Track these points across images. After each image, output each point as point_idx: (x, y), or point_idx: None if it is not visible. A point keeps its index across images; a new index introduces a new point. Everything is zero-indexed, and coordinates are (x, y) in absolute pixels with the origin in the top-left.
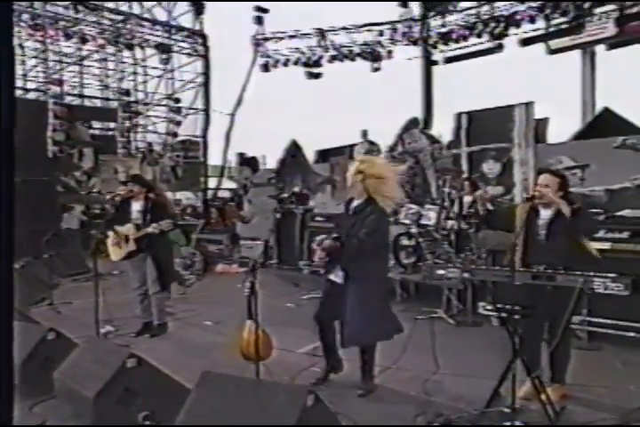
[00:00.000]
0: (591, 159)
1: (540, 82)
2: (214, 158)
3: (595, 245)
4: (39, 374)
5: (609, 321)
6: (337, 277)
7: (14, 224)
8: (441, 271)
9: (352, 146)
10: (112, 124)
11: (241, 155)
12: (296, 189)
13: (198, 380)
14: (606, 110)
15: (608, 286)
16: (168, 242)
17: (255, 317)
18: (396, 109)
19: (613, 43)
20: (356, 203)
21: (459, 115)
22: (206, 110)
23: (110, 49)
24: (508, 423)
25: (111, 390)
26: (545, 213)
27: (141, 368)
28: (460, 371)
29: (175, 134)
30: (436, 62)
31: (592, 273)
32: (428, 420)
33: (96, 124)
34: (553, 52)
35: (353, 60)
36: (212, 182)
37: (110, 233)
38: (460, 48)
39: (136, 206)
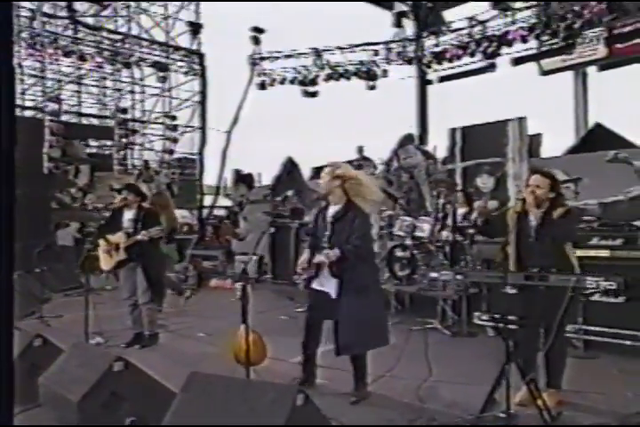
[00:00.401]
0: (584, 173)
1: (532, 100)
2: (210, 176)
3: (589, 253)
4: (24, 381)
5: (605, 329)
6: (329, 288)
7: (14, 238)
8: (434, 274)
9: (348, 162)
10: (109, 142)
11: (237, 171)
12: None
13: (185, 380)
14: (598, 126)
15: (601, 284)
16: (159, 252)
17: (246, 320)
18: (391, 126)
19: (604, 64)
20: (333, 209)
21: (452, 130)
22: (203, 128)
23: (108, 68)
24: None
25: (97, 393)
26: (534, 215)
27: (128, 372)
28: (455, 379)
29: (171, 152)
30: (430, 82)
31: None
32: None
33: (92, 143)
34: (545, 73)
35: (348, 78)
36: (208, 200)
37: (101, 241)
38: (453, 67)
39: (128, 215)
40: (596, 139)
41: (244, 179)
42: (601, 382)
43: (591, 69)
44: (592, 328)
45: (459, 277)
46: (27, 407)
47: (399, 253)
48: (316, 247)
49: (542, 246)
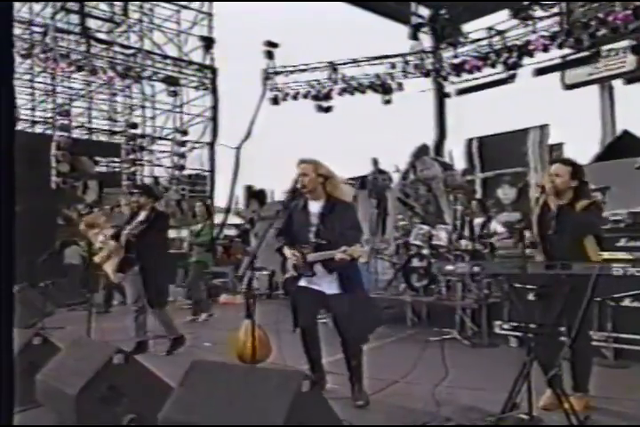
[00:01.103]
0: (612, 181)
1: (555, 111)
2: (222, 193)
3: (618, 255)
4: (23, 380)
5: (637, 337)
6: (324, 285)
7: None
8: (450, 267)
9: (363, 177)
10: (117, 159)
11: (249, 188)
12: None
13: (187, 368)
14: (625, 133)
15: (628, 271)
16: (160, 256)
17: (253, 316)
18: (407, 140)
19: (632, 77)
20: (318, 204)
21: (469, 140)
22: (213, 144)
23: (119, 83)
24: None
25: (95, 387)
26: (555, 206)
27: (128, 366)
28: (474, 385)
29: (182, 168)
30: (448, 95)
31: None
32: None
33: (100, 159)
34: (569, 87)
35: (363, 92)
36: (218, 218)
37: (107, 243)
38: (471, 79)
39: (140, 217)
40: (623, 146)
41: (256, 195)
42: (632, 390)
43: (617, 82)
44: (622, 336)
45: (476, 268)
46: (25, 408)
47: (416, 262)
48: (293, 244)
49: (561, 240)
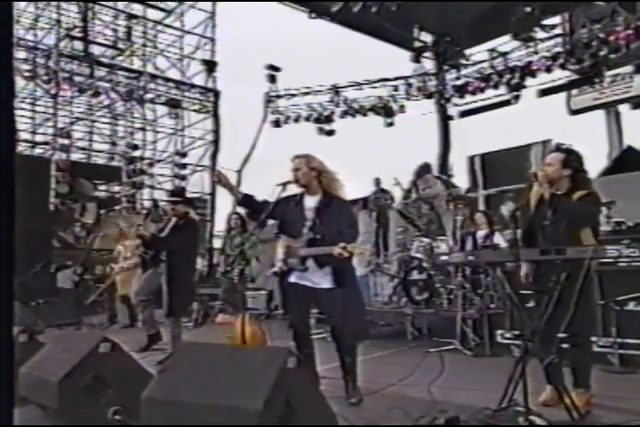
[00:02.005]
0: (617, 196)
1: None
2: (222, 216)
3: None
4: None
5: None
6: (317, 280)
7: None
8: (445, 257)
9: (365, 198)
10: (117, 184)
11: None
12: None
13: (173, 351)
14: (629, 148)
15: (623, 253)
16: (187, 263)
17: (244, 309)
18: (411, 160)
19: (637, 102)
20: (314, 199)
21: (471, 158)
22: (213, 167)
23: (121, 106)
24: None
25: (79, 375)
26: (547, 195)
27: (115, 355)
28: (473, 386)
29: (182, 190)
30: (451, 117)
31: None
32: (431, 419)
33: (99, 181)
34: (575, 112)
35: (365, 115)
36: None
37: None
38: (477, 101)
39: (170, 224)
40: (627, 161)
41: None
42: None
43: (624, 107)
44: (628, 341)
45: (470, 257)
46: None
47: (416, 275)
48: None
49: (557, 231)
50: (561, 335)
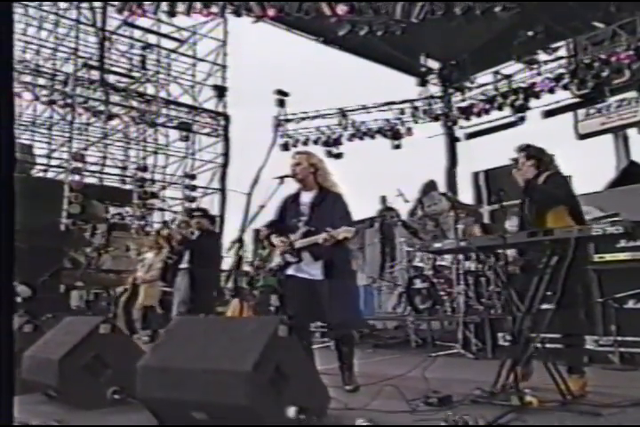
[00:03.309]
0: (621, 208)
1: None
2: (230, 238)
3: (619, 256)
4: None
5: None
6: (313, 272)
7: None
8: (438, 244)
9: (372, 217)
10: (127, 206)
11: (257, 231)
12: None
13: (169, 325)
14: (632, 163)
15: (607, 230)
16: (208, 270)
17: (241, 295)
18: (419, 181)
19: None
20: (309, 195)
21: (475, 174)
22: (223, 190)
23: (134, 131)
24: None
25: (80, 354)
26: (522, 182)
27: (115, 336)
28: (469, 379)
29: (192, 211)
30: (458, 139)
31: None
32: (423, 397)
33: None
34: (582, 137)
35: (372, 137)
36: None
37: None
38: (484, 122)
39: (194, 235)
40: (631, 176)
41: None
42: None
43: (632, 131)
44: (628, 339)
45: (462, 243)
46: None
47: (418, 284)
48: (282, 232)
49: (531, 215)
50: (555, 336)
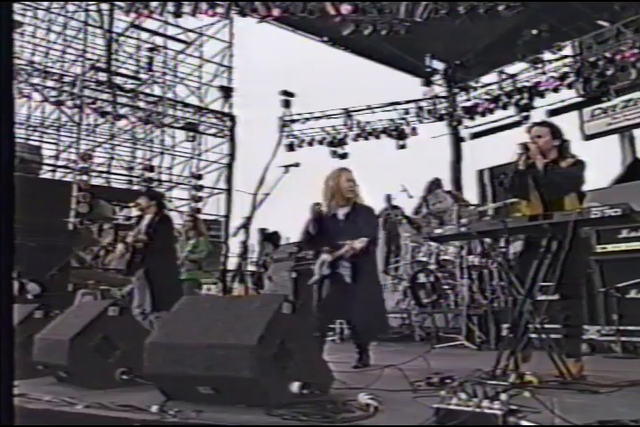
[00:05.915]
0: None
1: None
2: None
3: (621, 247)
4: (19, 353)
5: None
6: (345, 274)
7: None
8: (439, 230)
9: (377, 217)
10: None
11: (262, 230)
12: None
13: (176, 303)
14: (637, 160)
15: (606, 213)
16: (168, 262)
17: (245, 281)
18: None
19: None
20: (344, 210)
21: (480, 172)
22: (229, 190)
23: (140, 132)
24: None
25: (89, 335)
26: (541, 165)
27: (123, 318)
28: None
29: (198, 211)
30: (463, 139)
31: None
32: (425, 379)
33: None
34: (588, 138)
35: (377, 137)
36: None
37: (120, 245)
38: (489, 122)
39: (145, 220)
40: (635, 172)
41: (269, 237)
42: None
43: (638, 131)
44: (630, 328)
45: (463, 229)
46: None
47: (423, 278)
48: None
49: (549, 196)
50: (554, 326)
